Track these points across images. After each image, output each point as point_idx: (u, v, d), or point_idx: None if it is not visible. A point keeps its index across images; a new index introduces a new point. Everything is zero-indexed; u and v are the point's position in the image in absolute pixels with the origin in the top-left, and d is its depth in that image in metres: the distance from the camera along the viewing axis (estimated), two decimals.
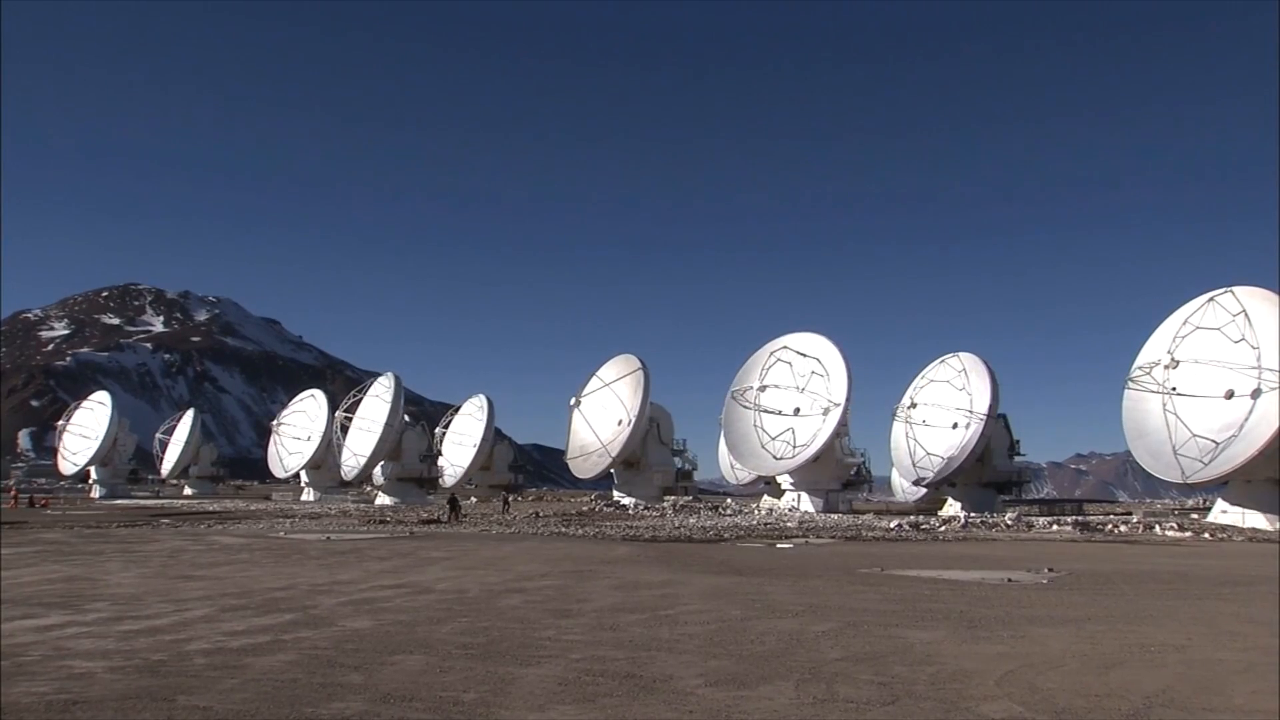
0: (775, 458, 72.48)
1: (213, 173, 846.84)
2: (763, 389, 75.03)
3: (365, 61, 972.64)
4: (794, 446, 71.76)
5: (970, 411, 73.52)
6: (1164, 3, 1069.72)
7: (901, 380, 79.20)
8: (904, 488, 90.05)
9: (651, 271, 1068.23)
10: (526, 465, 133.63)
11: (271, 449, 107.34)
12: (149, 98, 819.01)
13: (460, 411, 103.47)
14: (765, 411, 74.63)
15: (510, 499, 79.54)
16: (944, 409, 75.91)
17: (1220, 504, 58.94)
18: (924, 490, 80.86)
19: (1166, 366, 58.84)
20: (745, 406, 75.81)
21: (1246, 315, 57.12)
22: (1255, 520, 54.47)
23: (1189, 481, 57.20)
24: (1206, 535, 47.41)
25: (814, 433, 70.88)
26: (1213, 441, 55.93)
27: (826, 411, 70.96)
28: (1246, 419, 54.95)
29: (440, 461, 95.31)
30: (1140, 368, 60.40)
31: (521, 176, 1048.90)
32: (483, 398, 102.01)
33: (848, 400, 71.04)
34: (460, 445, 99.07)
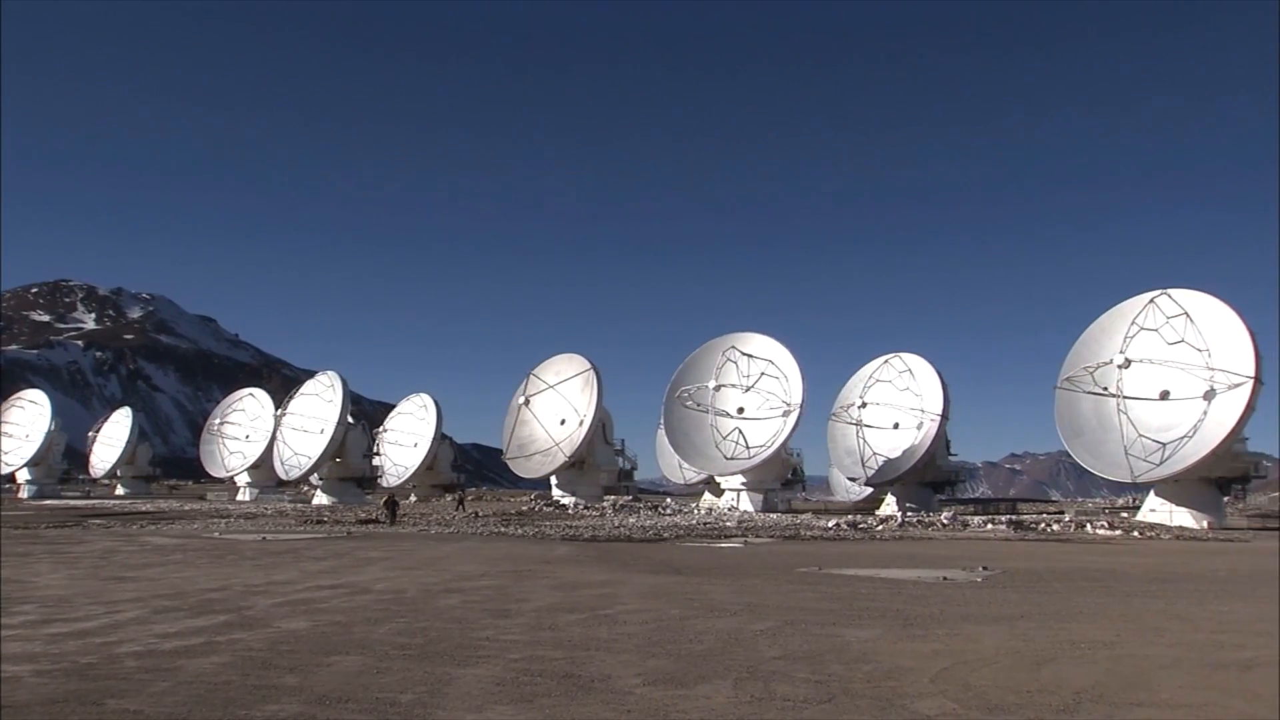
0: (726, 457, 72.90)
1: (146, 167, 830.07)
2: (718, 389, 75.31)
3: (299, 54, 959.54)
4: (748, 447, 72.36)
5: (922, 411, 74.67)
6: (1098, 3, 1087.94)
7: (827, 380, 79.63)
8: (847, 487, 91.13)
9: (581, 271, 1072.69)
10: (466, 465, 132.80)
11: (210, 448, 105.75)
12: (78, 91, 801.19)
13: (400, 410, 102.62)
14: (720, 413, 74.96)
15: (465, 498, 79.15)
16: (891, 409, 77.12)
17: (1149, 503, 60.14)
18: (869, 489, 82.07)
19: (1120, 366, 59.70)
20: (686, 406, 75.95)
21: (1189, 317, 58.21)
22: (1183, 518, 55.76)
23: (1138, 480, 58.16)
24: (1136, 534, 48.39)
25: (774, 433, 71.67)
26: (1157, 442, 57.02)
27: (787, 413, 71.74)
28: (1201, 420, 56.09)
29: (382, 461, 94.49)
30: (1087, 367, 61.21)
31: (458, 174, 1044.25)
32: (426, 397, 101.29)
33: (804, 401, 72.25)
34: (400, 445, 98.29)
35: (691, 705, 9.44)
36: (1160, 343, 59.13)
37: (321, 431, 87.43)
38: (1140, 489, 64.93)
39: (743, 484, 72.73)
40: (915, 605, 17.58)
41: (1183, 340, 58.11)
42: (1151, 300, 60.23)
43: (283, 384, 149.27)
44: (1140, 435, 57.56)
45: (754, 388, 74.30)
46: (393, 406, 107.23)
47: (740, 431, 73.53)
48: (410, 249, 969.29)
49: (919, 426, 74.65)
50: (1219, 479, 58.06)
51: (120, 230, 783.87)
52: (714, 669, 11.27)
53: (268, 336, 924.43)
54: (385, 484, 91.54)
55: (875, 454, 76.70)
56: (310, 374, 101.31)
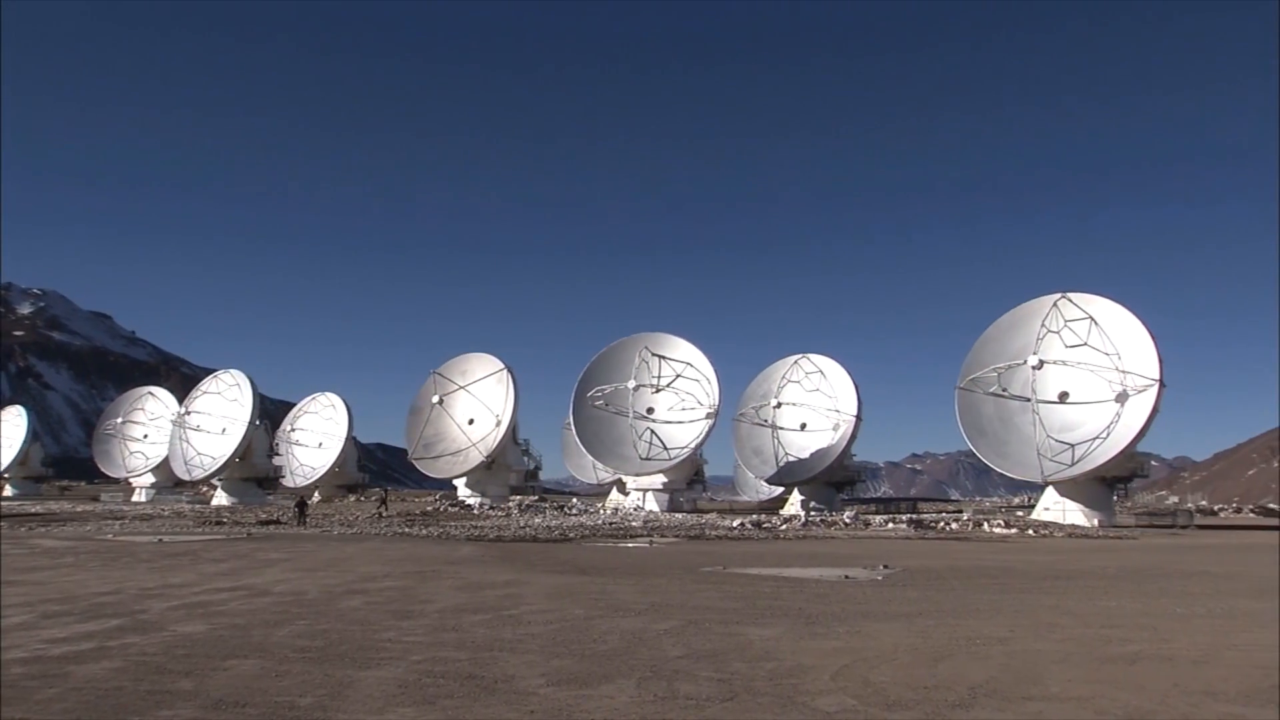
0: (642, 458, 73.20)
1: (37, 160, 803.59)
2: (637, 389, 75.55)
3: (194, 49, 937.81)
4: (666, 448, 72.91)
5: (838, 412, 76.00)
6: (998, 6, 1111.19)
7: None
8: (757, 486, 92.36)
9: (476, 269, 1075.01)
10: (370, 465, 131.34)
11: (107, 448, 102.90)
12: None
13: (306, 410, 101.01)
14: (640, 416, 75.16)
15: (388, 498, 78.25)
16: (804, 409, 78.37)
17: (1043, 501, 61.73)
18: (776, 489, 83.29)
19: (1034, 368, 61.03)
20: (597, 406, 75.90)
21: (1094, 321, 59.89)
22: (1075, 517, 57.39)
23: (1049, 480, 59.57)
24: (1030, 532, 49.64)
25: (697, 435, 72.55)
26: (1063, 443, 58.65)
27: (710, 415, 72.65)
28: (1115, 421, 57.84)
29: (284, 461, 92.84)
30: (997, 368, 62.37)
31: (353, 171, 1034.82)
32: (334, 396, 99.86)
33: (720, 403, 73.99)
34: (303, 445, 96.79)
35: (595, 705, 9.44)
36: (1063, 345, 60.86)
37: (224, 431, 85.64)
38: (1035, 488, 66.67)
39: (665, 484, 73.14)
40: (817, 604, 17.81)
41: (1085, 343, 59.85)
42: (1055, 304, 61.76)
43: (181, 382, 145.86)
44: (1049, 436, 59.06)
45: (666, 389, 75.00)
46: (291, 405, 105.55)
47: (653, 432, 73.94)
48: (307, 246, 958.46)
49: (835, 428, 76.01)
50: (1112, 478, 59.98)
51: (10, 224, 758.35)
52: (618, 668, 11.29)
53: (166, 334, 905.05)
54: (292, 484, 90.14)
55: (787, 454, 77.74)
56: (209, 372, 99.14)
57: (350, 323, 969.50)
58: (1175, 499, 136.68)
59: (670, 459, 72.30)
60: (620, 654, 12.30)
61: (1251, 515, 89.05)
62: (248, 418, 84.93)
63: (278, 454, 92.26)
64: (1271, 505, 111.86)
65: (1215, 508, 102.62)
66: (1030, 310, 63.11)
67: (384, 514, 58.30)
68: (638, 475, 74.34)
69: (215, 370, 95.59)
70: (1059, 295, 61.97)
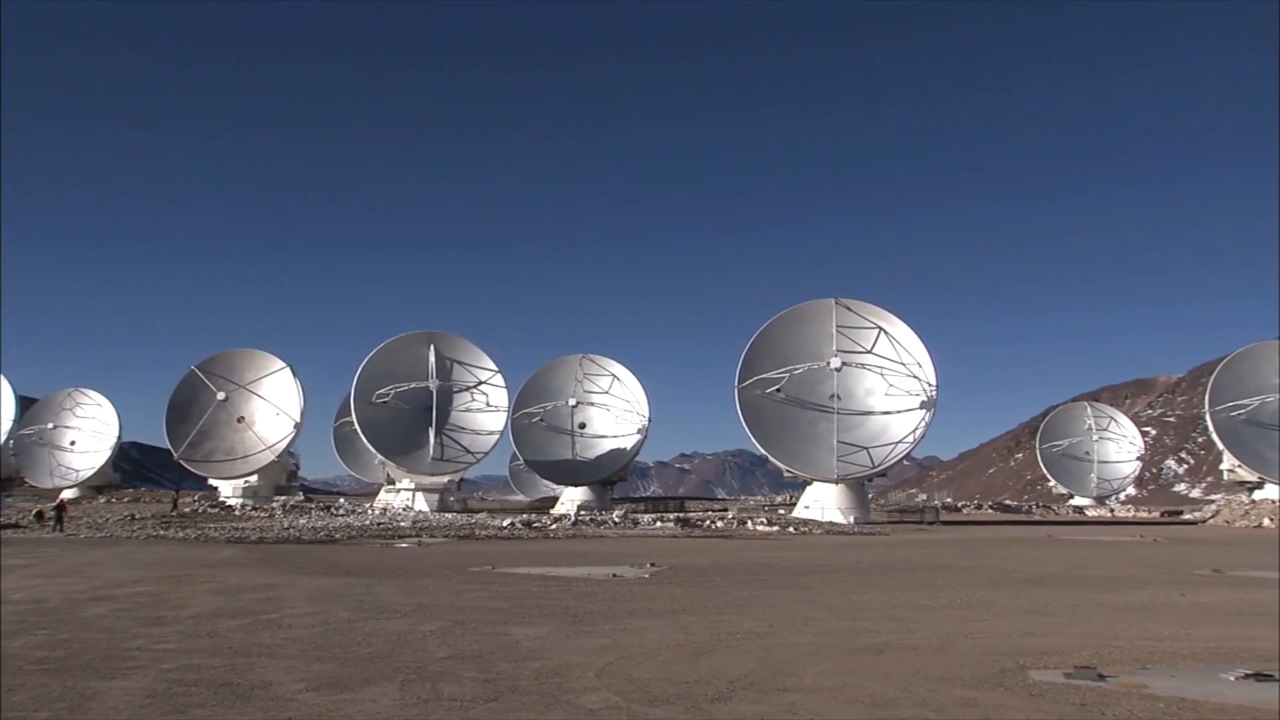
0: (433, 458, 72.43)
1: None
2: (441, 389, 74.84)
3: None
4: (467, 450, 72.90)
5: (640, 415, 77.56)
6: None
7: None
8: (541, 486, 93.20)
9: (225, 263, 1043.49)
10: (123, 464, 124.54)
11: None
12: None
13: (63, 407, 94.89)
14: (452, 425, 74.59)
15: (179, 498, 74.34)
16: (603, 411, 79.71)
17: (804, 500, 64.25)
18: (556, 488, 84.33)
19: (835, 370, 63.34)
20: (384, 403, 74.01)
21: (884, 331, 63.02)
22: (833, 515, 60.04)
23: (840, 480, 62.06)
24: (791, 529, 51.59)
25: (496, 437, 74.45)
26: (853, 445, 61.66)
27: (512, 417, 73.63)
28: (921, 426, 61.36)
29: (19, 459, 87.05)
30: (793, 369, 64.23)
31: (110, 164, 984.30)
32: (97, 394, 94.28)
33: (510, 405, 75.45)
34: (59, 446, 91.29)
35: (356, 709, 9.27)
36: (835, 349, 63.81)
37: None
38: (796, 486, 69.43)
39: (446, 483, 72.53)
40: (584, 602, 18.01)
41: (870, 350, 63.06)
42: (834, 309, 64.50)
43: None
44: (838, 439, 61.76)
45: (467, 390, 74.90)
46: (30, 400, 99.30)
47: (446, 434, 73.40)
48: (40, 238, 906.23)
49: (640, 430, 77.61)
50: (867, 477, 63.27)
51: None
52: (381, 671, 11.13)
53: None
54: (50, 485, 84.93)
55: (577, 454, 78.56)
56: None
57: (85, 315, 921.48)
58: (924, 496, 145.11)
59: (475, 459, 72.82)
60: (384, 656, 12.13)
61: (990, 511, 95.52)
62: (10, 417, 79.45)
63: (13, 453, 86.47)
64: (1008, 501, 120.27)
65: (959, 504, 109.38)
66: (804, 313, 65.64)
67: (134, 516, 55.40)
68: (431, 475, 73.07)
69: None
70: (834, 300, 64.71)
